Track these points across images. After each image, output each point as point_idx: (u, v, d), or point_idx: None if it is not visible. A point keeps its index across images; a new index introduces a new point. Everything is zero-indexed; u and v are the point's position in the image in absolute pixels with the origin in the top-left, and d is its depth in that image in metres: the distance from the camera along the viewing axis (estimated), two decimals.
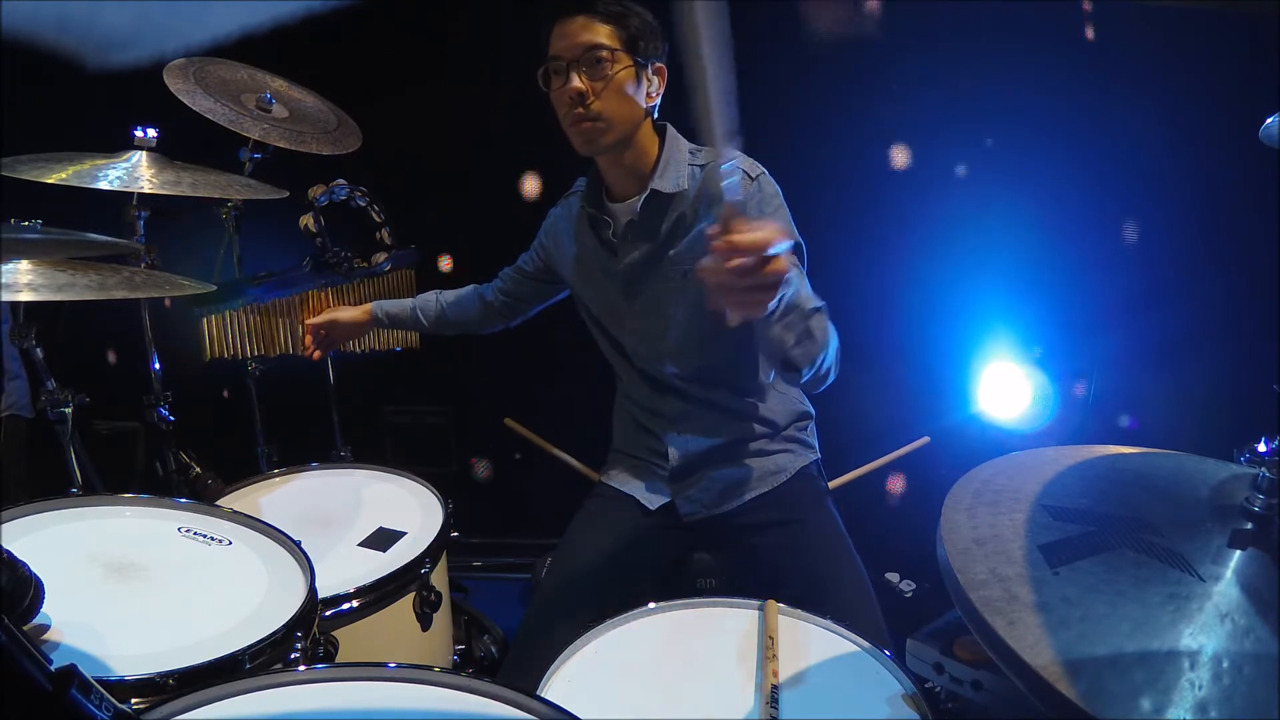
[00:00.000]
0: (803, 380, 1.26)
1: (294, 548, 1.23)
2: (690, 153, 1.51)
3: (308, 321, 1.87)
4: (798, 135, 2.10)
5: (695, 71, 0.80)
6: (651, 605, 1.24)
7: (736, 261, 0.90)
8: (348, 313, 1.89)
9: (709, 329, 1.51)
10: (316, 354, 1.88)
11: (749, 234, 0.90)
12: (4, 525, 1.19)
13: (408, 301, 1.89)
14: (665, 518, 1.59)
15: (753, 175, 1.45)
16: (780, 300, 1.04)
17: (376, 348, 2.06)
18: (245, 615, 1.09)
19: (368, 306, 1.89)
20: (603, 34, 1.38)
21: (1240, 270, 1.98)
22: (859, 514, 1.68)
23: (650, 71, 1.44)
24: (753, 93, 2.17)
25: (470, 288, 1.86)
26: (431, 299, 1.88)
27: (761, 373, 1.60)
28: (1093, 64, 2.04)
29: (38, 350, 1.50)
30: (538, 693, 1.00)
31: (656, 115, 1.49)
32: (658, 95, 1.47)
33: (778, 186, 1.46)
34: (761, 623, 1.20)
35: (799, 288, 1.18)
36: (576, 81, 1.37)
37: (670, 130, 1.51)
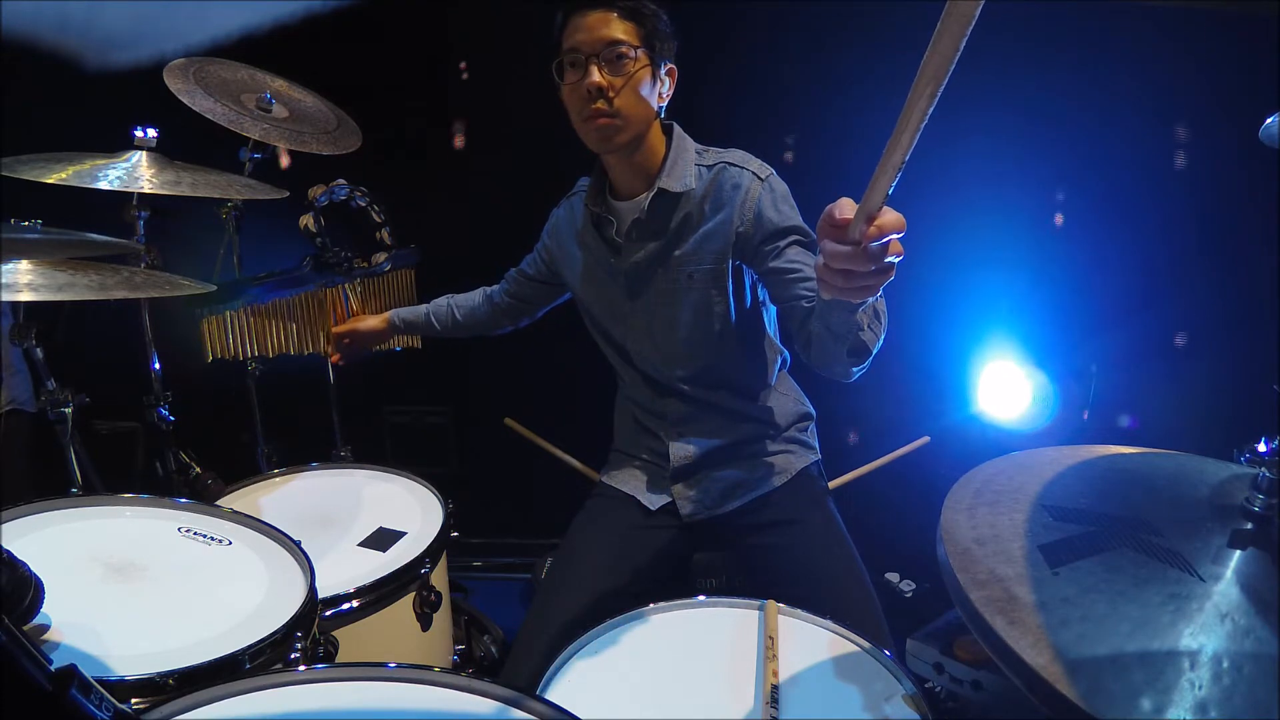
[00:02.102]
0: (863, 364, 1.21)
1: (294, 548, 1.23)
2: (697, 152, 1.50)
3: (332, 330, 1.92)
4: (797, 135, 2.10)
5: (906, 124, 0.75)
6: (652, 605, 1.24)
7: (876, 245, 0.86)
8: (369, 321, 1.95)
9: (713, 329, 1.51)
10: (336, 357, 1.96)
11: (889, 216, 0.87)
12: (4, 525, 1.19)
13: (422, 308, 1.93)
14: (666, 518, 1.59)
15: (762, 176, 1.45)
16: None
17: (378, 347, 2.07)
18: (245, 615, 1.09)
19: (386, 315, 1.95)
20: (622, 30, 1.37)
21: (1240, 270, 1.98)
22: (859, 514, 1.68)
23: (663, 71, 1.44)
24: (752, 94, 2.19)
25: (479, 291, 1.88)
26: (444, 304, 1.91)
27: (769, 374, 1.60)
28: (1094, 63, 2.04)
29: (38, 350, 1.50)
30: (538, 693, 1.00)
31: (663, 115, 1.49)
32: (668, 96, 1.47)
33: (786, 185, 1.47)
34: (761, 623, 1.21)
35: None
36: (596, 76, 1.36)
37: (677, 129, 1.51)
